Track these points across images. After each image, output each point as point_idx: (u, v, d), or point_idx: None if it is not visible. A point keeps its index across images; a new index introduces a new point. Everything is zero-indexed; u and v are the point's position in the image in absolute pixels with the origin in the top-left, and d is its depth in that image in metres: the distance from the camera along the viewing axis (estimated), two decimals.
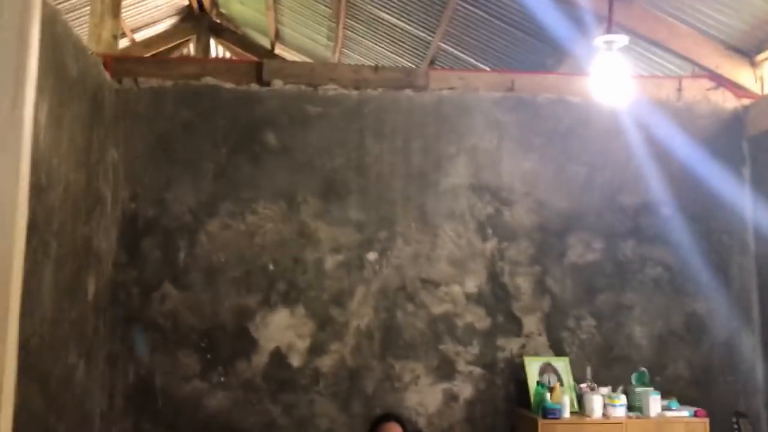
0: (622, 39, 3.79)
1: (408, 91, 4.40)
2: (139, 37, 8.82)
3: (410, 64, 7.39)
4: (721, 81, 4.55)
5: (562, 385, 3.98)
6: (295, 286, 4.15)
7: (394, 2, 6.47)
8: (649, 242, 4.38)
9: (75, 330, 3.52)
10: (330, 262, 4.20)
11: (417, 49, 7.19)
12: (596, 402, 3.83)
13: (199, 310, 4.08)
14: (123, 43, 7.79)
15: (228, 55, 10.22)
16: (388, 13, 6.77)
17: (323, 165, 4.28)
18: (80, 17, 6.85)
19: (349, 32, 7.82)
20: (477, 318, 4.26)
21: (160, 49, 8.84)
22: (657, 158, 4.40)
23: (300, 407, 4.07)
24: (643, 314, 4.32)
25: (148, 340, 4.03)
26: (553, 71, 5.52)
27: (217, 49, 10.17)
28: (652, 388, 3.96)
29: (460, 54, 6.66)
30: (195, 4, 8.86)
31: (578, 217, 4.38)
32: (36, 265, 2.96)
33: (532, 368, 4.06)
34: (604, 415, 3.82)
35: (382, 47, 7.70)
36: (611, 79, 4.05)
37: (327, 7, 7.53)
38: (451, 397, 4.17)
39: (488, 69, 6.42)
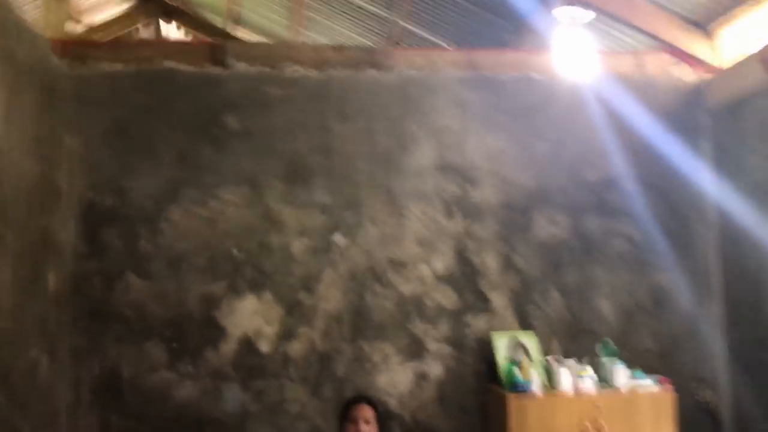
0: (586, 14, 3.79)
1: (371, 72, 4.35)
2: (92, 21, 8.57)
3: (373, 45, 7.32)
4: (680, 55, 4.59)
5: (530, 360, 4.02)
6: (262, 272, 4.11)
7: None
8: (613, 216, 4.43)
9: (36, 324, 3.43)
10: (296, 246, 4.16)
11: (380, 29, 7.12)
12: (564, 375, 3.88)
13: (164, 300, 4.01)
14: (76, 28, 7.57)
15: (185, 37, 10.01)
16: None
17: (286, 148, 4.21)
18: (29, 1, 6.61)
19: (310, 12, 7.70)
20: (445, 297, 4.27)
21: (115, 34, 8.61)
22: (620, 133, 4.44)
23: (270, 393, 4.04)
24: (608, 287, 4.38)
25: (113, 332, 3.96)
26: (516, 48, 5.51)
27: (173, 32, 9.96)
28: (618, 360, 4.02)
29: (423, 33, 6.62)
30: None
31: (543, 194, 4.40)
32: None
33: (501, 344, 4.09)
34: (573, 388, 3.87)
35: (345, 27, 7.61)
36: (574, 55, 4.06)
37: None
38: (421, 377, 4.19)
39: (451, 48, 6.39)
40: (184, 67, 4.21)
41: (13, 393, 3.12)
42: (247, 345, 4.05)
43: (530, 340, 4.14)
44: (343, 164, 4.25)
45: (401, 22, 6.56)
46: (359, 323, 4.17)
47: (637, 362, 4.15)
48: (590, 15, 3.77)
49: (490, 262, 4.32)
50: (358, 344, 4.15)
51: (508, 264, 4.34)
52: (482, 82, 4.43)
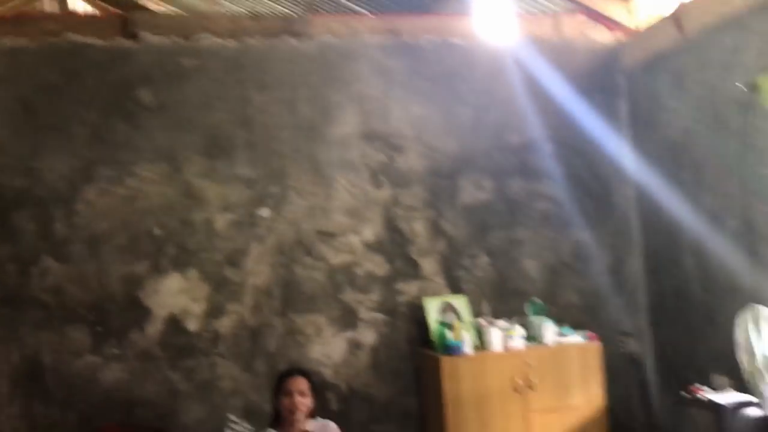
0: None
1: (290, 40, 4.26)
2: None
3: (289, 12, 7.14)
4: (596, 17, 4.67)
5: (461, 322, 4.08)
6: (185, 249, 4.00)
7: None
8: (535, 178, 4.51)
9: None
10: (220, 221, 4.07)
11: None
12: (495, 335, 3.95)
13: (84, 282, 3.87)
14: None
15: (93, 9, 9.55)
16: None
17: (205, 121, 4.09)
18: None
19: None
20: (376, 265, 4.26)
21: (17, 8, 8.13)
22: (539, 96, 4.50)
23: (201, 371, 3.97)
24: (533, 248, 4.47)
25: (32, 319, 3.79)
26: (436, 12, 5.48)
27: (80, 5, 9.47)
28: (546, 317, 4.12)
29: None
30: None
31: (468, 159, 4.44)
32: None
33: (432, 309, 4.13)
34: (503, 347, 3.95)
35: None
36: (493, 18, 4.07)
37: None
38: (355, 345, 4.19)
39: (370, 13, 6.31)
40: (93, 40, 4.02)
41: None
42: (174, 324, 3.95)
43: (461, 303, 4.19)
44: (265, 136, 4.17)
45: None
46: (290, 296, 4.13)
47: (564, 318, 4.27)
48: None
49: (418, 228, 4.34)
50: (289, 318, 4.12)
51: (436, 230, 4.36)
52: (403, 49, 4.40)
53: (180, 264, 3.99)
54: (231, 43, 4.17)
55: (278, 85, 4.21)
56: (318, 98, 4.26)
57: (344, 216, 4.25)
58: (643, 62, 4.45)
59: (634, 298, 4.58)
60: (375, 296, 4.24)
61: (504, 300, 4.37)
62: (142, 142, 4.00)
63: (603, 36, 4.69)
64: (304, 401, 3.25)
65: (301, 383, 3.30)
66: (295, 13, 6.97)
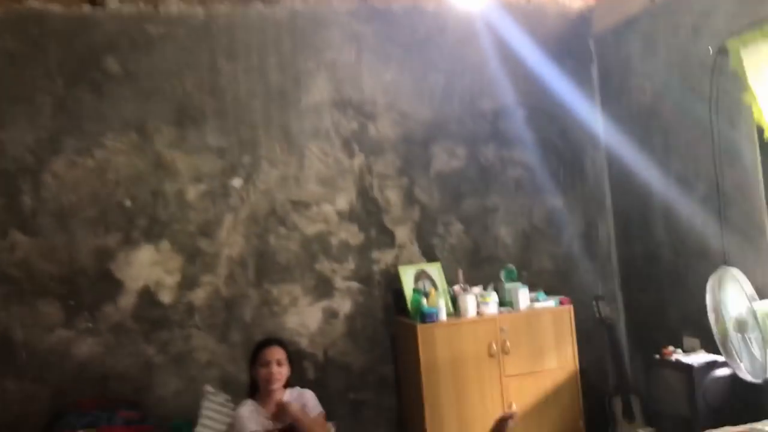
0: None
1: (259, 6, 4.17)
2: None
3: None
4: None
5: (436, 289, 4.10)
6: (157, 221, 3.95)
7: None
8: (508, 145, 4.51)
9: None
10: (192, 192, 4.02)
11: None
12: (470, 302, 3.98)
13: (55, 256, 3.80)
14: None
15: None
16: None
17: (174, 90, 4.01)
18: None
19: None
20: (350, 234, 4.26)
21: None
22: (511, 61, 4.48)
23: (176, 343, 3.95)
24: (507, 214, 4.49)
25: (0, 294, 3.73)
26: None
27: None
28: (520, 283, 4.16)
29: None
30: None
31: (440, 126, 4.42)
32: None
33: (407, 276, 4.14)
34: (478, 313, 3.98)
35: None
36: None
37: None
38: (330, 314, 4.19)
39: None
40: (54, 7, 3.89)
41: None
42: (148, 296, 3.92)
43: (435, 271, 4.21)
44: (235, 105, 4.10)
45: None
46: (264, 267, 4.11)
47: (538, 284, 4.32)
48: None
49: (392, 197, 4.33)
50: (264, 288, 4.10)
51: (410, 198, 4.36)
52: (374, 14, 4.35)
53: (152, 236, 3.94)
54: (199, 10, 4.08)
55: (248, 52, 4.13)
56: (289, 66, 4.19)
57: (318, 185, 4.22)
58: (614, 27, 4.46)
59: (606, 263, 4.64)
60: (350, 265, 4.24)
61: (478, 266, 4.40)
62: (109, 112, 3.92)
63: (573, 0, 4.67)
64: (281, 371, 3.26)
65: (277, 353, 3.31)
66: None
